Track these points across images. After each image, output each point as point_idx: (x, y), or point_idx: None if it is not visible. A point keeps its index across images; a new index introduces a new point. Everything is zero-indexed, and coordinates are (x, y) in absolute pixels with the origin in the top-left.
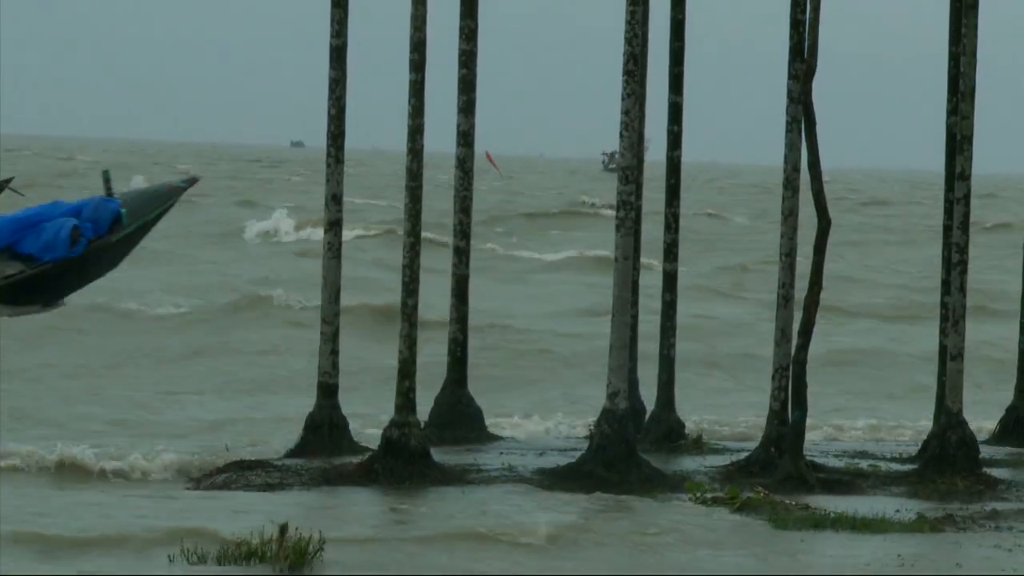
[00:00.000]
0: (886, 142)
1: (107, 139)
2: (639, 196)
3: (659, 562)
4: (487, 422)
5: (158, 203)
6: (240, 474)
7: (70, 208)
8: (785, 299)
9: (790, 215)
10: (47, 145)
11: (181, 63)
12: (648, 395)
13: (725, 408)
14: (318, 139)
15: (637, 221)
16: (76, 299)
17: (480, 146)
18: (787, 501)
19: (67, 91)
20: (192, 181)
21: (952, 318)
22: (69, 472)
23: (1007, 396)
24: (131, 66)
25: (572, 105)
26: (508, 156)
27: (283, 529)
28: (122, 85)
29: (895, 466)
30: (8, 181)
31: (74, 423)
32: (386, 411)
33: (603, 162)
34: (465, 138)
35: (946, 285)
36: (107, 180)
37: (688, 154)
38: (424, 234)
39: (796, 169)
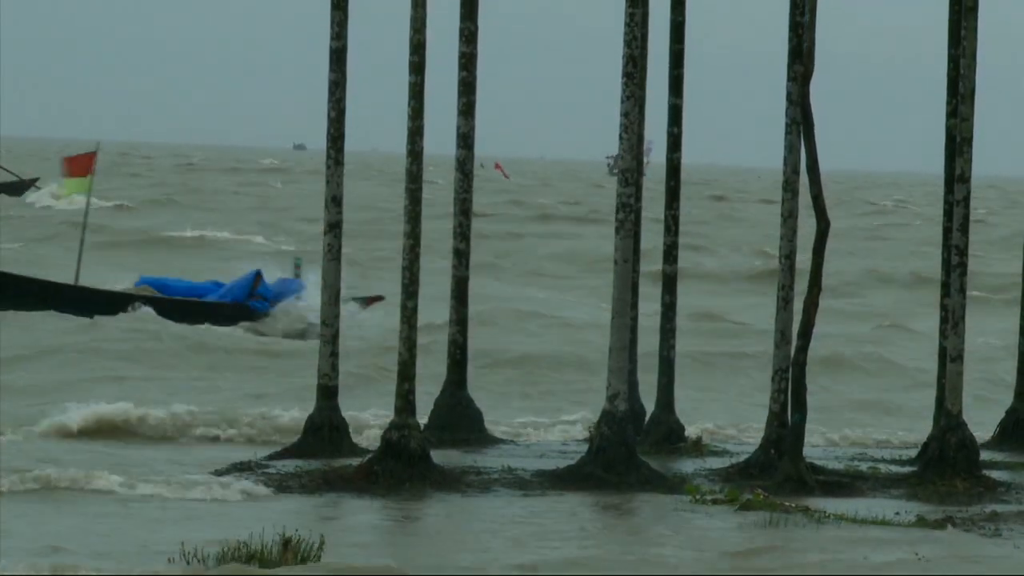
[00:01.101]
0: (886, 144)
1: (108, 141)
2: (639, 198)
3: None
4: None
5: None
6: (240, 476)
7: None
8: (785, 301)
9: (789, 217)
10: (39, 147)
11: (183, 65)
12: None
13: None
14: (321, 141)
15: (637, 223)
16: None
17: (480, 148)
18: (787, 503)
19: (67, 93)
20: (376, 299)
21: (952, 320)
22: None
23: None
24: (132, 68)
25: (573, 107)
26: (508, 159)
27: (287, 542)
28: (122, 87)
29: (895, 468)
30: (34, 181)
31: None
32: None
33: (608, 165)
34: (465, 140)
35: (946, 287)
36: (298, 266)
37: (688, 156)
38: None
39: (796, 171)
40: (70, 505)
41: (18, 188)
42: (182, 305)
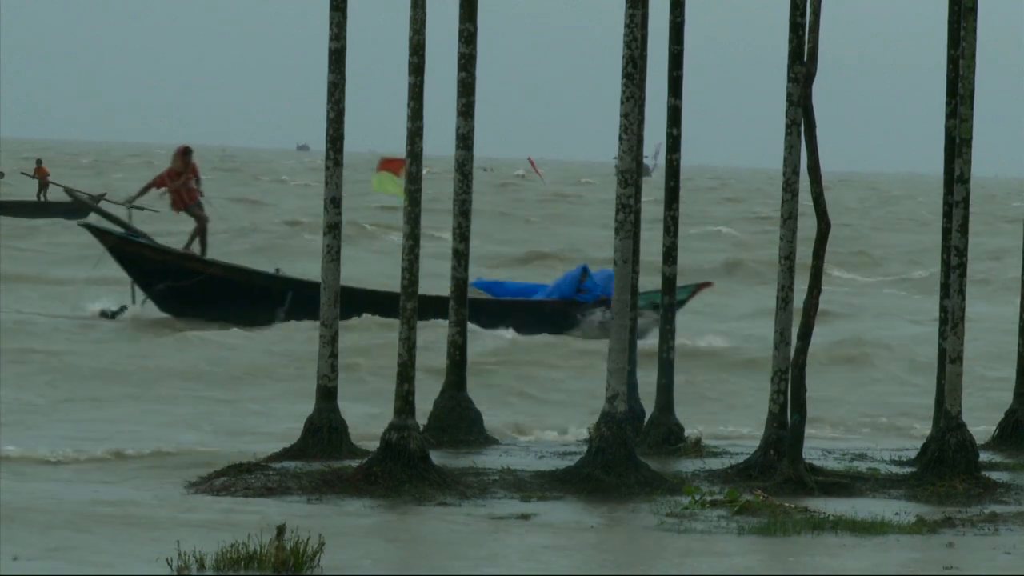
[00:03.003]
0: (885, 145)
1: (108, 142)
2: (638, 199)
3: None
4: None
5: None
6: (238, 477)
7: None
8: (784, 302)
9: (789, 218)
10: (39, 148)
11: (183, 65)
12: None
13: None
14: (324, 142)
15: (636, 224)
16: None
17: (480, 149)
18: (786, 504)
19: (67, 93)
20: (704, 285)
21: (951, 321)
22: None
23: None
24: (131, 68)
25: (573, 108)
26: (507, 158)
27: (280, 530)
28: (123, 88)
29: (894, 469)
30: (101, 196)
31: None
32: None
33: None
34: (464, 141)
35: (945, 288)
36: None
37: (688, 157)
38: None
39: (796, 172)
40: (68, 508)
41: (78, 210)
42: (508, 306)
